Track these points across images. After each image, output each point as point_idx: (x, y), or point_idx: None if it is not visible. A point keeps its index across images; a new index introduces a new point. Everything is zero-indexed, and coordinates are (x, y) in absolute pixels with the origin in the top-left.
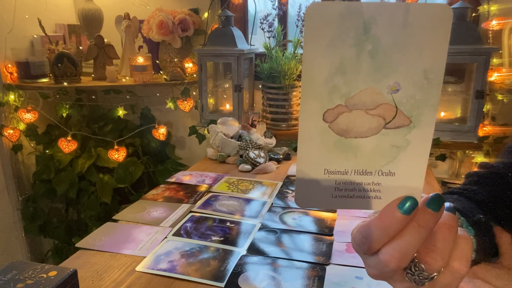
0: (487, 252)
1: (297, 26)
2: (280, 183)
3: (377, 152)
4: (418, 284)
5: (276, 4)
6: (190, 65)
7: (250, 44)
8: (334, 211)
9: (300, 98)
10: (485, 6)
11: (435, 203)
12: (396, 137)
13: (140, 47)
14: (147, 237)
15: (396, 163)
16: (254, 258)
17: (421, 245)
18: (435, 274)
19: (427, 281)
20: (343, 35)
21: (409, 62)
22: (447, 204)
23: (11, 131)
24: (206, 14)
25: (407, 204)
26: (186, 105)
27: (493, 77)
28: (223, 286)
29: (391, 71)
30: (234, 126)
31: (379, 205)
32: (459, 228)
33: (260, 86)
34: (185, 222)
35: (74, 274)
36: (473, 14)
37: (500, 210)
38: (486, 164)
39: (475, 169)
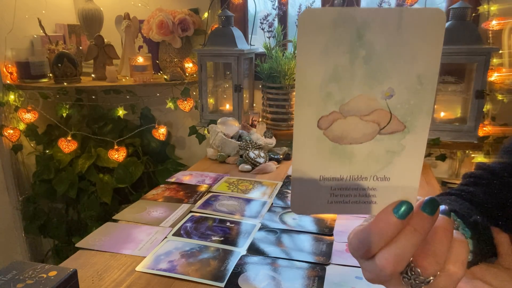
0: (485, 253)
1: (297, 26)
2: (280, 183)
3: (372, 157)
4: None
5: (276, 4)
6: (190, 65)
7: (250, 44)
8: None
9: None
10: (485, 6)
11: (430, 206)
12: (390, 143)
13: (140, 47)
14: (147, 237)
15: (391, 168)
16: (254, 258)
17: (417, 249)
18: (431, 278)
19: (424, 285)
20: (336, 42)
21: (402, 67)
22: (442, 207)
23: (11, 131)
24: (206, 14)
25: (402, 209)
26: (186, 105)
27: (493, 77)
28: (223, 286)
29: (385, 76)
30: (234, 126)
31: (374, 210)
32: (454, 231)
33: (260, 86)
34: (185, 222)
35: (74, 274)
36: (473, 14)
37: (497, 211)
38: (483, 165)
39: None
